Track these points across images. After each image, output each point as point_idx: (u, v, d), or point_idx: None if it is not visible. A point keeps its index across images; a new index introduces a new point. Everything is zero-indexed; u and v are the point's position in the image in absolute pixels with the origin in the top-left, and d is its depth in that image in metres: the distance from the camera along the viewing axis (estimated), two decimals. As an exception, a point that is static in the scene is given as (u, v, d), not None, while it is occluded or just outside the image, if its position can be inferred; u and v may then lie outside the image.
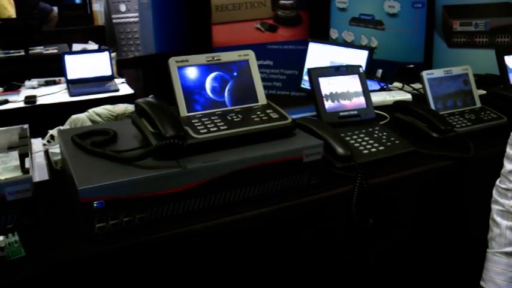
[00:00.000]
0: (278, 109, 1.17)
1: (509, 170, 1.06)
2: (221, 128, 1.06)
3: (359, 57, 2.51)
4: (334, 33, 3.39)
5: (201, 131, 1.04)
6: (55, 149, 1.22)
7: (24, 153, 1.08)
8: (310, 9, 3.49)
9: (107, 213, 0.89)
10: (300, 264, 1.11)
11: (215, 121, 1.08)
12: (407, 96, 1.85)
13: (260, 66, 3.43)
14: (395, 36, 3.02)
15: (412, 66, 2.29)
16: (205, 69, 1.15)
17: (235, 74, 1.18)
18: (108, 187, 0.88)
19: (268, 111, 1.15)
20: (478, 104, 1.61)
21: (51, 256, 0.86)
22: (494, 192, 1.10)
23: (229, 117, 1.10)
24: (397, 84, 2.05)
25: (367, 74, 1.71)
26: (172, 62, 1.11)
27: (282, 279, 1.09)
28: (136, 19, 3.83)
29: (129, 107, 2.46)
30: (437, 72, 1.59)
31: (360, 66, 1.47)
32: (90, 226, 0.89)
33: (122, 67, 3.44)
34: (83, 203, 0.87)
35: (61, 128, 1.19)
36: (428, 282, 1.36)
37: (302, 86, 2.82)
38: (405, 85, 2.02)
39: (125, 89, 2.93)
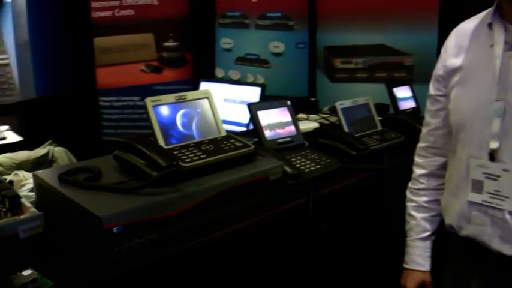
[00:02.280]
0: (239, 138, 1.42)
1: (419, 174, 1.42)
2: (201, 156, 1.28)
3: (252, 94, 2.85)
4: (220, 72, 3.73)
5: (186, 160, 1.25)
6: (25, 192, 1.32)
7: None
8: (194, 51, 3.80)
9: (124, 237, 1.05)
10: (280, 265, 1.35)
11: (193, 151, 1.29)
12: (315, 125, 2.22)
13: (147, 108, 3.59)
14: (280, 73, 3.45)
15: (313, 99, 2.69)
16: (175, 107, 1.37)
17: (199, 110, 1.41)
18: (125, 213, 1.05)
19: (231, 140, 1.40)
20: (379, 127, 2.01)
21: (79, 282, 1.00)
22: (408, 193, 1.46)
23: (203, 148, 1.32)
24: (301, 115, 2.42)
25: None
26: (148, 102, 1.31)
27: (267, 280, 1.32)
28: (7, 61, 3.77)
29: (32, 154, 2.50)
30: (347, 103, 1.97)
31: (288, 100, 1.79)
32: (110, 250, 1.04)
33: (2, 114, 3.38)
34: (106, 229, 1.02)
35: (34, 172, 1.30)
36: (361, 268, 1.69)
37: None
38: (309, 115, 2.39)
39: (11, 136, 2.91)
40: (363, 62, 3.02)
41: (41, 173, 1.30)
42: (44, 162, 2.51)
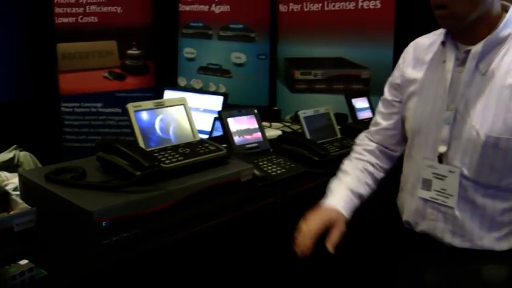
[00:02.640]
0: (212, 143, 1.54)
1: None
2: (179, 158, 1.39)
3: (215, 102, 2.98)
4: (182, 81, 3.84)
5: (166, 162, 1.36)
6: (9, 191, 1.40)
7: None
8: (157, 59, 3.90)
9: (111, 231, 1.16)
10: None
11: (172, 154, 1.41)
12: (279, 132, 2.37)
13: (109, 114, 3.73)
14: (242, 83, 3.59)
15: (276, 108, 2.83)
16: (154, 112, 1.48)
17: (175, 116, 1.53)
18: (113, 208, 1.15)
19: (205, 144, 1.52)
20: (339, 135, 2.17)
21: (71, 272, 1.09)
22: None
23: (180, 151, 1.44)
24: (265, 123, 2.55)
25: None
26: (130, 107, 1.42)
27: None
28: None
29: (-1, 156, 2.55)
30: (309, 112, 2.12)
31: (255, 108, 1.93)
32: (99, 243, 1.14)
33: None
34: (96, 223, 1.12)
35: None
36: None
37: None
38: (272, 123, 2.54)
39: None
40: (321, 73, 3.19)
41: (26, 172, 1.38)
42: (10, 166, 2.56)
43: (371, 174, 1.53)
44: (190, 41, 3.80)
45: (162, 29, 3.86)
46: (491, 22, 1.25)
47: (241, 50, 3.57)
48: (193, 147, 1.49)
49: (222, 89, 3.62)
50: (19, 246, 1.13)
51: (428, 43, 1.42)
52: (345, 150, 2.05)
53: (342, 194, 1.47)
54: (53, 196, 1.23)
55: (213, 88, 3.67)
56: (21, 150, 2.68)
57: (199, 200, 1.35)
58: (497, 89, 1.24)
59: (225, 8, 3.58)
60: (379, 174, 1.54)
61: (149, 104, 1.48)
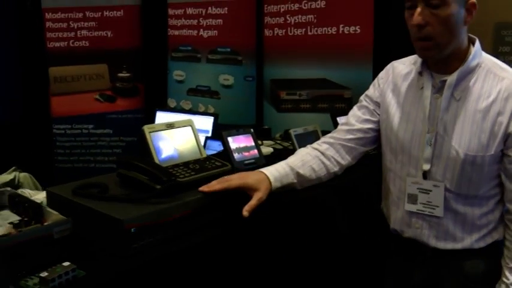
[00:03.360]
0: (217, 159, 1.75)
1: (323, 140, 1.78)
2: (191, 173, 1.59)
3: (206, 123, 3.18)
4: (172, 103, 4.03)
5: (180, 176, 1.55)
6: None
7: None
8: (146, 82, 4.10)
9: (138, 237, 1.34)
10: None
11: (184, 169, 1.60)
12: (270, 149, 2.57)
13: (100, 135, 3.91)
14: (230, 104, 3.80)
15: (266, 127, 3.04)
16: (166, 133, 1.68)
17: (184, 135, 1.73)
18: (139, 217, 1.34)
19: (212, 161, 1.72)
20: (326, 152, 2.39)
21: (105, 272, 1.28)
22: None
23: (191, 166, 1.64)
24: (256, 142, 2.76)
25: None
26: (146, 129, 1.62)
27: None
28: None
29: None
30: (299, 130, 2.33)
31: (251, 127, 2.14)
32: (128, 247, 1.33)
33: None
34: (126, 230, 1.31)
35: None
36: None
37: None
38: (263, 141, 2.74)
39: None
40: (306, 94, 3.41)
41: (54, 189, 1.56)
42: (12, 186, 2.71)
43: (322, 163, 1.69)
44: (180, 64, 4.01)
45: (152, 53, 4.07)
46: (462, 54, 1.49)
47: (229, 72, 3.79)
48: (201, 163, 1.68)
49: (211, 110, 3.83)
50: (58, 251, 1.31)
51: (405, 72, 1.63)
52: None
53: (277, 166, 1.64)
54: (83, 208, 1.41)
55: (202, 109, 3.87)
56: (20, 172, 2.84)
57: (212, 208, 1.55)
58: (471, 113, 1.46)
59: (213, 32, 3.81)
60: (333, 168, 1.70)
61: (162, 125, 1.68)
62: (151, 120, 3.28)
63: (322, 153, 1.71)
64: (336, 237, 2.07)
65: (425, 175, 1.55)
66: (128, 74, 4.02)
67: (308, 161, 1.68)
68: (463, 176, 1.50)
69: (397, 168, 1.64)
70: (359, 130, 1.72)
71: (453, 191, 1.52)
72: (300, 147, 2.27)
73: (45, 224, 1.36)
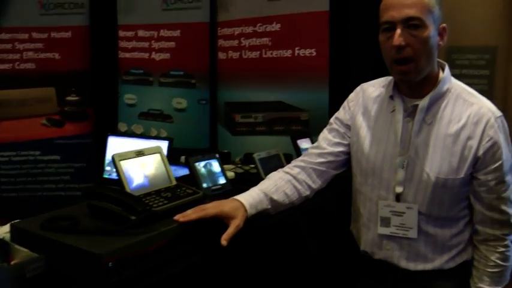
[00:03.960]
0: (187, 186, 1.72)
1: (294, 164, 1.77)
2: (164, 202, 1.55)
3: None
4: (123, 127, 3.95)
5: (154, 205, 1.51)
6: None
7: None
8: (96, 105, 3.99)
9: (116, 270, 1.29)
10: None
11: (157, 198, 1.57)
12: (231, 173, 2.55)
13: (47, 162, 3.77)
14: (183, 127, 3.75)
15: (226, 151, 3.02)
16: (136, 161, 1.63)
17: (153, 163, 1.69)
18: (117, 250, 1.29)
19: (183, 188, 1.69)
20: (289, 175, 2.40)
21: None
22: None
23: (163, 195, 1.60)
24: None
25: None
26: (116, 157, 1.58)
27: None
28: None
29: None
30: (262, 154, 2.33)
31: (217, 153, 2.12)
32: (106, 282, 1.27)
33: None
34: (104, 264, 1.26)
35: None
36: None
37: (105, 176, 3.23)
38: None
39: None
40: (262, 116, 3.42)
41: (19, 223, 1.49)
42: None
43: (294, 187, 1.69)
44: (131, 87, 3.94)
45: (102, 75, 3.98)
46: (433, 78, 1.53)
47: (182, 96, 3.75)
48: (173, 191, 1.65)
49: (164, 134, 3.77)
50: (31, 290, 1.24)
51: (375, 95, 1.66)
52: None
53: (251, 192, 1.63)
54: (56, 243, 1.35)
55: (154, 133, 3.80)
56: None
57: (186, 237, 1.51)
58: (442, 137, 1.51)
59: (165, 55, 3.77)
60: (305, 192, 1.71)
61: (131, 153, 1.63)
62: (102, 145, 3.18)
63: (294, 178, 1.71)
64: (306, 259, 2.08)
65: (398, 198, 1.58)
66: (76, 98, 3.91)
67: (281, 186, 1.68)
68: (434, 198, 1.53)
69: (368, 191, 1.66)
70: (330, 153, 1.73)
71: (424, 213, 1.55)
72: (263, 170, 2.27)
73: (13, 262, 1.28)
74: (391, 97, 1.60)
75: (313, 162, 1.73)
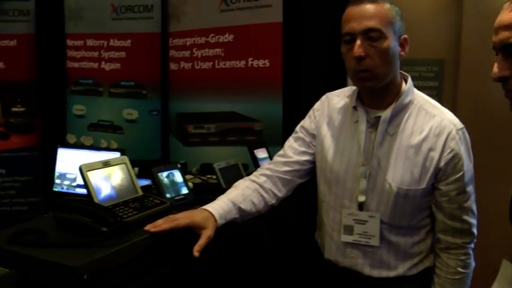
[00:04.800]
0: (154, 196, 1.71)
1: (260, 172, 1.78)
2: (134, 213, 1.54)
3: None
4: (71, 138, 3.85)
5: (124, 216, 1.50)
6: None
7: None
8: (43, 117, 3.88)
9: (90, 283, 1.28)
10: None
11: (125, 208, 1.55)
12: (190, 184, 2.55)
13: (-9, 176, 3.61)
14: (134, 138, 3.71)
15: (183, 162, 3.00)
16: (103, 171, 1.62)
17: (120, 173, 1.68)
18: (92, 263, 1.28)
19: (150, 198, 1.69)
20: (249, 184, 2.43)
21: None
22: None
23: (131, 205, 1.59)
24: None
25: None
26: (84, 168, 1.55)
27: None
28: None
29: None
30: (222, 164, 2.35)
31: (178, 162, 2.12)
32: (80, 295, 1.26)
33: None
34: (79, 277, 1.24)
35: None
36: None
37: (55, 189, 3.14)
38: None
39: None
40: (215, 127, 3.44)
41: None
42: None
43: (261, 196, 1.70)
44: (80, 97, 3.87)
45: (49, 85, 3.88)
46: (396, 89, 1.58)
47: (133, 107, 3.72)
48: (140, 201, 1.65)
49: (114, 145, 3.71)
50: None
51: (340, 105, 1.70)
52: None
53: (220, 202, 1.63)
54: (26, 258, 1.31)
55: (104, 144, 3.74)
56: None
57: (157, 248, 1.51)
58: (404, 148, 1.55)
59: (116, 65, 3.72)
60: (271, 200, 1.73)
61: (98, 164, 1.61)
62: (51, 158, 3.10)
63: (261, 186, 1.73)
64: (269, 268, 2.11)
65: (361, 207, 1.61)
66: (22, 109, 3.79)
67: (248, 195, 1.69)
68: (396, 208, 1.57)
69: (331, 200, 1.69)
70: (296, 162, 1.75)
71: (386, 222, 1.59)
72: (224, 180, 2.29)
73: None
74: (355, 108, 1.63)
75: (279, 171, 1.75)
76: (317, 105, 1.78)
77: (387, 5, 1.51)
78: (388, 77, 1.54)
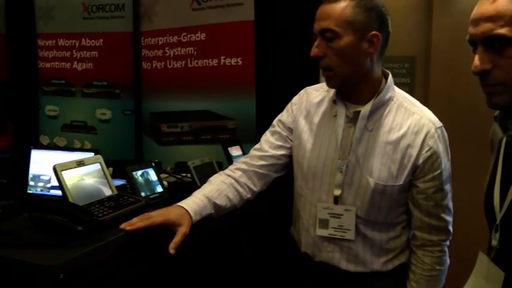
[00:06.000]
0: (129, 195, 1.72)
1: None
2: (109, 211, 1.55)
3: (87, 159, 3.06)
4: (45, 140, 3.82)
5: (99, 215, 1.51)
6: None
7: None
8: (15, 118, 3.83)
9: (67, 282, 1.28)
10: None
11: (100, 207, 1.56)
12: (165, 183, 2.56)
13: (-39, 180, 3.54)
14: (108, 139, 3.69)
15: (157, 161, 2.99)
16: (77, 170, 1.62)
17: (94, 172, 1.68)
18: (68, 262, 1.28)
19: (125, 197, 1.69)
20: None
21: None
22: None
23: (106, 204, 1.59)
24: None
25: None
26: (58, 167, 1.55)
27: None
28: None
29: None
30: (196, 162, 2.36)
31: (152, 161, 2.12)
32: (57, 294, 1.26)
33: None
34: (56, 277, 1.24)
35: None
36: None
37: (29, 191, 3.11)
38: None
39: None
40: (188, 126, 3.44)
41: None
42: None
43: (236, 190, 1.70)
44: (52, 98, 3.83)
45: (21, 86, 3.83)
46: (374, 86, 1.58)
47: (106, 107, 3.70)
48: (115, 200, 1.65)
49: (88, 146, 3.70)
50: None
51: (318, 99, 1.70)
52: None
53: (195, 198, 1.63)
54: (2, 259, 1.31)
55: (78, 145, 3.72)
56: None
57: (133, 246, 1.52)
58: (382, 144, 1.56)
59: (88, 65, 3.70)
60: (246, 195, 1.73)
61: (72, 163, 1.62)
62: (25, 160, 3.06)
63: (236, 181, 1.72)
64: (244, 263, 2.13)
65: (336, 200, 1.62)
66: (-7, 111, 3.75)
67: (223, 190, 1.69)
68: (372, 203, 1.58)
69: (308, 194, 1.69)
70: (272, 156, 1.75)
71: (362, 217, 1.60)
72: (198, 178, 2.31)
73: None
74: (334, 102, 1.63)
75: (254, 165, 1.74)
76: (295, 99, 1.77)
77: (349, 2, 1.49)
78: (354, 76, 1.54)
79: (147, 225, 1.49)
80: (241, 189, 1.72)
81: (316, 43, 1.52)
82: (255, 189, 1.75)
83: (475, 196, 1.49)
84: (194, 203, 1.61)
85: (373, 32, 1.51)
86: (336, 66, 1.52)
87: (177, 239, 1.48)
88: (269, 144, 1.76)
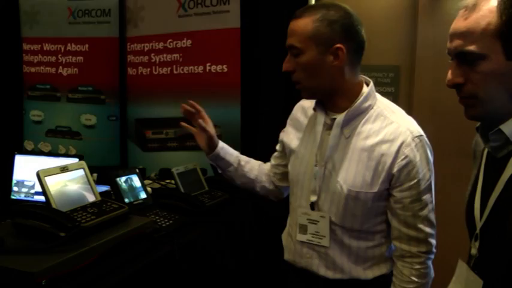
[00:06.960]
0: (112, 201, 1.73)
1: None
2: (92, 217, 1.56)
3: (71, 165, 3.06)
4: (29, 145, 3.80)
5: (83, 221, 1.51)
6: None
7: None
8: (-1, 123, 3.82)
9: (49, 288, 1.29)
10: None
11: (83, 214, 1.56)
12: (149, 189, 2.56)
13: None
14: (93, 144, 3.68)
15: (141, 167, 3.00)
16: (61, 176, 1.62)
17: (78, 178, 1.69)
18: (50, 268, 1.29)
19: (108, 203, 1.70)
20: (207, 188, 2.45)
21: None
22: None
23: (89, 210, 1.60)
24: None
25: None
26: (41, 173, 1.56)
27: None
28: None
29: None
30: (180, 168, 2.37)
31: (137, 168, 2.13)
32: (39, 300, 1.26)
33: None
34: (37, 283, 1.25)
35: None
36: None
37: (12, 197, 3.09)
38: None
39: None
40: (173, 132, 3.44)
41: None
42: None
43: (264, 173, 1.96)
44: (37, 103, 3.81)
45: (5, 91, 3.80)
46: (351, 95, 1.59)
47: (91, 112, 3.69)
48: (99, 206, 1.66)
49: (73, 151, 3.69)
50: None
51: (306, 107, 1.75)
52: (216, 200, 2.34)
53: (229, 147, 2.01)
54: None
55: (62, 151, 3.71)
56: None
57: (116, 251, 1.53)
58: (358, 151, 1.57)
59: (73, 70, 3.69)
60: (270, 185, 1.96)
61: (56, 169, 1.62)
62: (8, 165, 3.05)
63: (267, 172, 1.98)
64: (226, 269, 2.14)
65: (313, 206, 1.65)
66: (-24, 115, 3.72)
67: (253, 164, 1.98)
68: (346, 210, 1.59)
69: (293, 200, 1.74)
70: (275, 165, 1.96)
71: (338, 223, 1.62)
72: (182, 185, 2.32)
73: None
74: (315, 109, 1.67)
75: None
76: (293, 111, 1.85)
77: (312, 17, 1.53)
78: (322, 87, 1.58)
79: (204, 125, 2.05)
80: (267, 173, 1.97)
81: (286, 58, 1.59)
82: (275, 184, 1.96)
83: (456, 205, 1.49)
84: (225, 144, 2.00)
85: (337, 45, 1.52)
86: (303, 79, 1.58)
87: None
88: (275, 155, 1.97)
